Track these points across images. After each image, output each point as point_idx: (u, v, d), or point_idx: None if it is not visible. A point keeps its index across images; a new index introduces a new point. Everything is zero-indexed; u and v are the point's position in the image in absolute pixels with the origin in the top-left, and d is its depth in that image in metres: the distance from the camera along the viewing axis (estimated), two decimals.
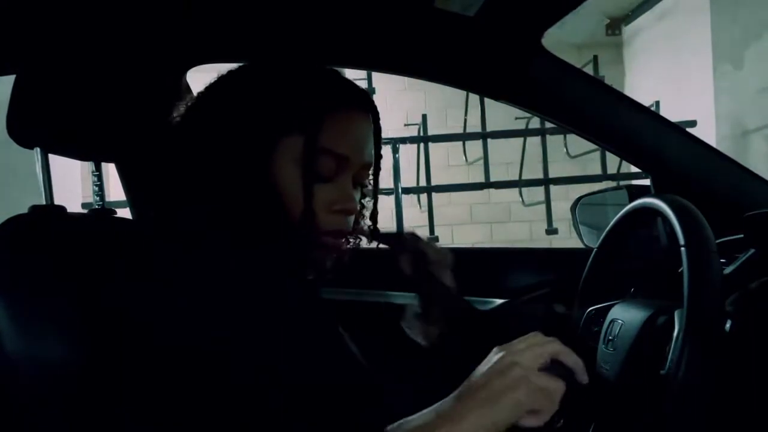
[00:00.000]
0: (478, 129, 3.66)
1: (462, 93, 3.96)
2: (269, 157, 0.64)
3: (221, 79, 0.69)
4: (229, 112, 0.65)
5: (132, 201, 1.20)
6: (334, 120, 0.66)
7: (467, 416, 0.54)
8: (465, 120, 4.22)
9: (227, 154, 0.64)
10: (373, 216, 0.75)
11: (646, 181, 1.14)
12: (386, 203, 4.01)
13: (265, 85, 0.67)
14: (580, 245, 1.23)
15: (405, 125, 4.69)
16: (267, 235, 0.64)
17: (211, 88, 0.69)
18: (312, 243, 0.65)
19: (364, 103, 0.70)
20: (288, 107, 0.65)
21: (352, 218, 0.69)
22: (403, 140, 3.48)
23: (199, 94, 0.70)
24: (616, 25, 5.03)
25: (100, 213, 0.88)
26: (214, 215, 0.64)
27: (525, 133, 3.73)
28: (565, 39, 4.51)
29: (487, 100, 3.48)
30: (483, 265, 1.31)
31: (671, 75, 4.37)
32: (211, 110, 0.67)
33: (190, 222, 0.64)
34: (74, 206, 0.81)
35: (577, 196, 1.26)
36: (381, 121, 0.71)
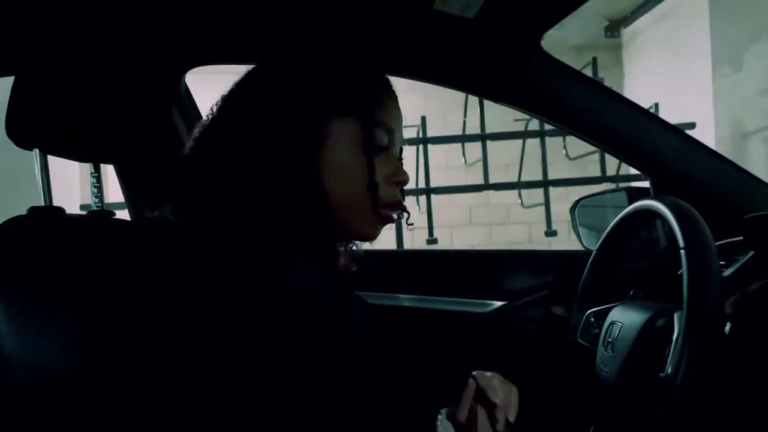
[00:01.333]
0: (478, 131, 3.66)
1: (461, 95, 3.96)
2: (323, 143, 0.65)
3: (253, 77, 0.69)
4: (277, 105, 0.65)
5: (131, 202, 1.20)
6: (381, 96, 0.70)
7: None
8: (464, 122, 4.22)
9: (277, 147, 0.63)
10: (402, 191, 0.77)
11: (646, 183, 1.14)
12: None
13: (312, 73, 0.67)
14: (579, 247, 1.23)
15: (404, 127, 4.68)
16: (305, 228, 0.65)
17: (244, 85, 0.69)
18: (371, 217, 0.68)
19: (390, 85, 0.74)
20: (341, 87, 0.67)
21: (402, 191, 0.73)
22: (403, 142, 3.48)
23: (231, 92, 0.69)
24: (615, 27, 5.03)
25: (99, 214, 0.88)
26: (245, 212, 0.62)
27: (524, 134, 3.73)
28: (564, 41, 4.52)
29: (486, 102, 3.48)
30: (482, 268, 1.31)
31: (670, 77, 4.37)
32: (255, 106, 0.66)
33: (219, 220, 0.62)
34: (72, 208, 0.81)
35: (577, 198, 1.26)
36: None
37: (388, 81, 0.73)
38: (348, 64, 0.70)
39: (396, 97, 0.73)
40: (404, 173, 0.71)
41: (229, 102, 0.68)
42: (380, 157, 0.68)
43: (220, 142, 0.65)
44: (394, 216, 0.72)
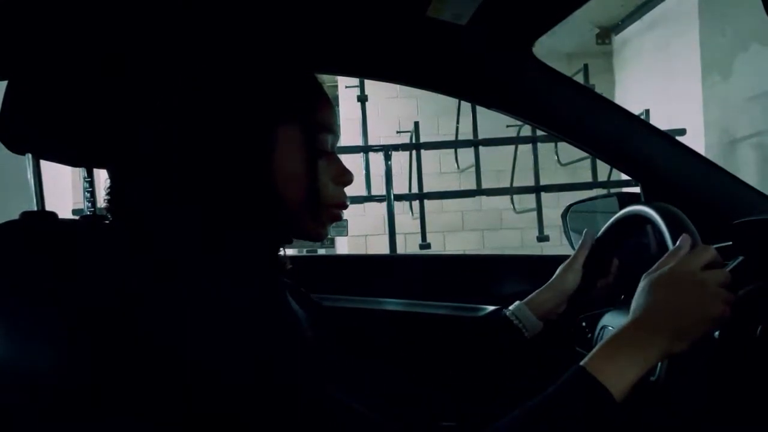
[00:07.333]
0: (470, 136, 3.67)
1: (454, 101, 3.98)
2: (274, 148, 0.66)
3: (197, 85, 0.67)
4: (227, 115, 0.65)
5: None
6: (323, 99, 0.72)
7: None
8: (457, 127, 4.24)
9: (228, 155, 0.65)
10: None
11: (636, 189, 1.15)
12: (379, 210, 4.04)
13: (258, 80, 0.67)
14: (571, 252, 1.24)
15: (397, 132, 4.69)
16: (266, 228, 0.68)
17: (190, 95, 0.67)
18: (321, 217, 0.71)
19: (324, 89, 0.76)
20: (288, 93, 0.68)
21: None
22: (396, 147, 3.49)
23: (174, 100, 0.67)
24: (606, 34, 5.08)
25: (91, 219, 0.88)
26: (210, 216, 0.64)
27: (516, 140, 3.75)
28: (555, 48, 4.55)
29: (478, 108, 3.50)
30: (474, 272, 1.31)
31: (661, 84, 4.41)
32: (205, 116, 0.66)
33: (182, 224, 0.64)
34: (65, 213, 0.81)
35: (568, 204, 1.26)
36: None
37: (321, 87, 0.75)
38: (290, 68, 0.71)
39: (330, 99, 0.75)
40: (350, 173, 0.74)
41: (174, 110, 0.66)
42: (327, 159, 0.71)
43: (173, 149, 0.66)
44: (340, 214, 0.75)
